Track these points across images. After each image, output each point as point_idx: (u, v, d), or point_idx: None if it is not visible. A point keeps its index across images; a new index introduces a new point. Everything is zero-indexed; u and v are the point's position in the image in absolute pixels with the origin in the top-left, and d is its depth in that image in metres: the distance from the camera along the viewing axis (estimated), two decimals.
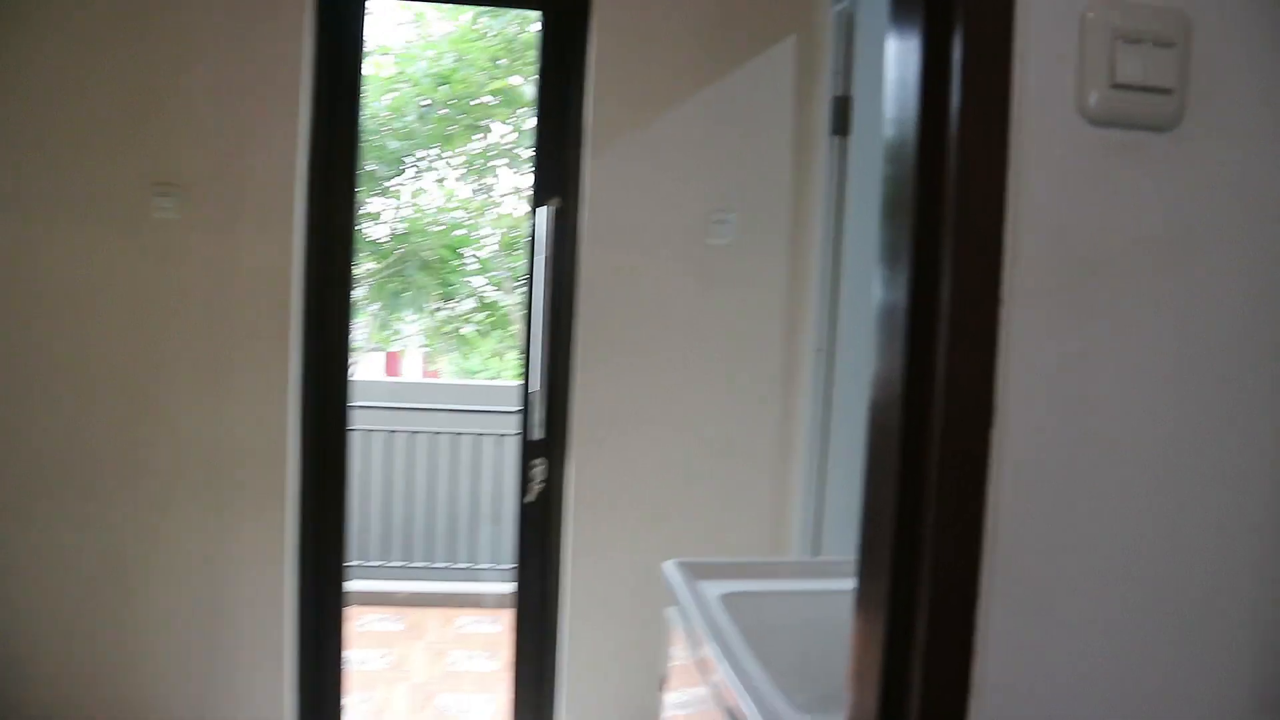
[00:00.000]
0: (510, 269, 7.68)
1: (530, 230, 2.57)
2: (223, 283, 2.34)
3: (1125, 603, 0.68)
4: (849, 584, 1.63)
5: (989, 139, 0.64)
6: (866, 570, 0.76)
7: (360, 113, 2.56)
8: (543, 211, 2.50)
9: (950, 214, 0.63)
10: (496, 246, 7.93)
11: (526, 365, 2.59)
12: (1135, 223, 0.66)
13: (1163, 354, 0.66)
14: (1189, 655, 0.69)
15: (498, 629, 4.00)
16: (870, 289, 2.47)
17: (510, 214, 7.88)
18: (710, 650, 1.29)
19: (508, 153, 7.76)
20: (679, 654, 1.55)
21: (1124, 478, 0.67)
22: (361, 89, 2.56)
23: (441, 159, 7.66)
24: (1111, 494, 0.68)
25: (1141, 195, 0.66)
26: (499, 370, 8.28)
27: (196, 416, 2.35)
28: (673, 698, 1.61)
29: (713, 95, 2.49)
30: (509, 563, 3.62)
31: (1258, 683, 0.68)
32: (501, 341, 8.24)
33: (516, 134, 7.56)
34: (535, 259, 2.53)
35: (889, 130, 0.73)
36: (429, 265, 7.62)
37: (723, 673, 1.22)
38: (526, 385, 2.58)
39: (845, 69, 2.32)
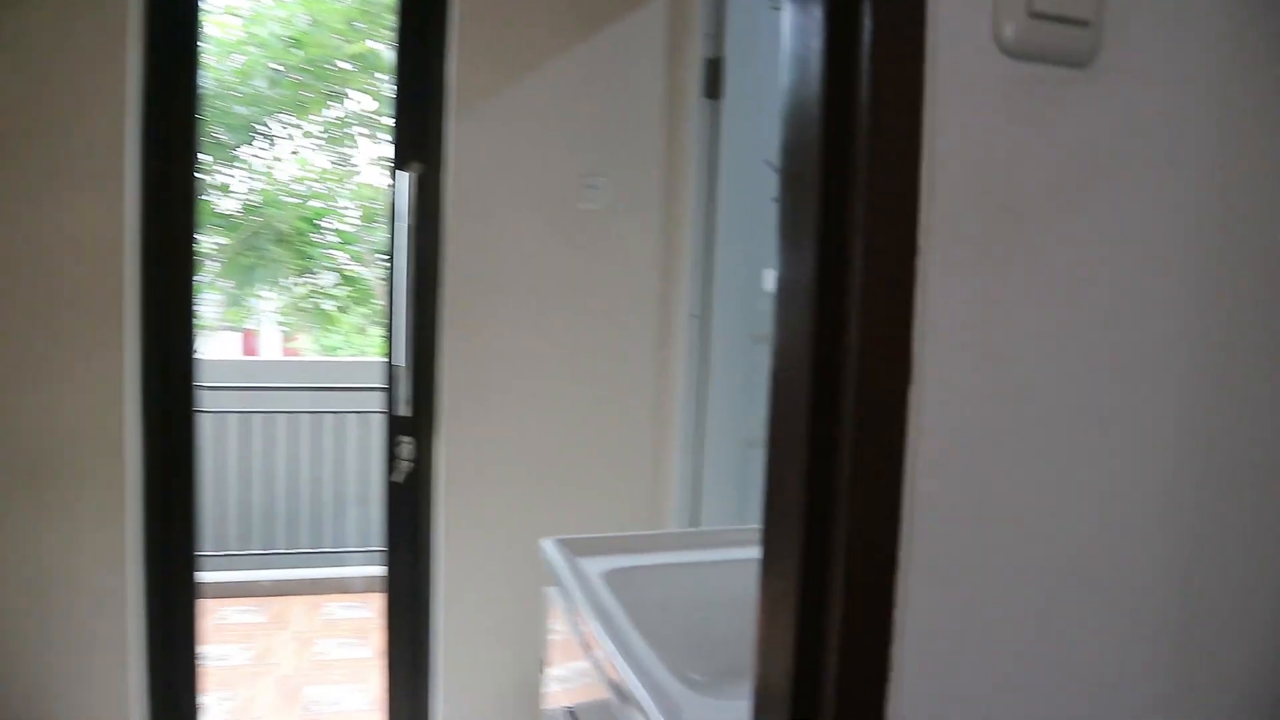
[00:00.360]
0: (372, 241, 7.38)
1: (391, 197, 2.43)
2: (43, 251, 2.11)
3: (1045, 569, 0.66)
4: (732, 554, 1.61)
5: (903, 73, 0.59)
6: (774, 543, 0.71)
7: (199, 72, 2.35)
8: (404, 177, 2.37)
9: (862, 158, 0.58)
10: (358, 218, 7.61)
11: (390, 339, 2.46)
12: (1051, 164, 0.63)
13: (1079, 302, 0.64)
14: (1110, 623, 0.67)
15: (368, 614, 3.85)
16: (744, 252, 2.45)
17: (371, 184, 7.56)
18: (594, 628, 1.24)
19: (367, 121, 7.43)
20: (559, 628, 1.49)
21: (1043, 436, 0.65)
22: (200, 47, 2.35)
23: (296, 127, 7.26)
24: (1030, 454, 0.65)
25: (1057, 134, 0.63)
26: (363, 346, 7.98)
27: (17, 402, 2.12)
28: (554, 672, 1.56)
29: (581, 56, 2.41)
30: (378, 545, 3.48)
31: (1176, 648, 0.68)
32: (365, 317, 7.93)
33: (376, 101, 7.25)
34: (397, 227, 2.40)
35: (789, 72, 0.68)
36: (284, 238, 7.24)
37: (607, 650, 1.17)
38: (391, 360, 2.46)
39: (717, 31, 2.28)
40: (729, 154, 2.30)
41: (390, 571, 2.56)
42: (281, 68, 6.79)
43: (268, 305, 7.94)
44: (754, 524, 1.73)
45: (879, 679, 0.61)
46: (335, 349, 8.29)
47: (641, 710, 1.03)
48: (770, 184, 1.69)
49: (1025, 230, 0.62)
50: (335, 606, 3.99)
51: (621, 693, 1.13)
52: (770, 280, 1.56)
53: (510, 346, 2.42)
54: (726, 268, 2.42)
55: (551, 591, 1.55)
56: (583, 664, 1.36)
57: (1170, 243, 0.65)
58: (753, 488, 2.50)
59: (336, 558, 4.43)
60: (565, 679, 1.51)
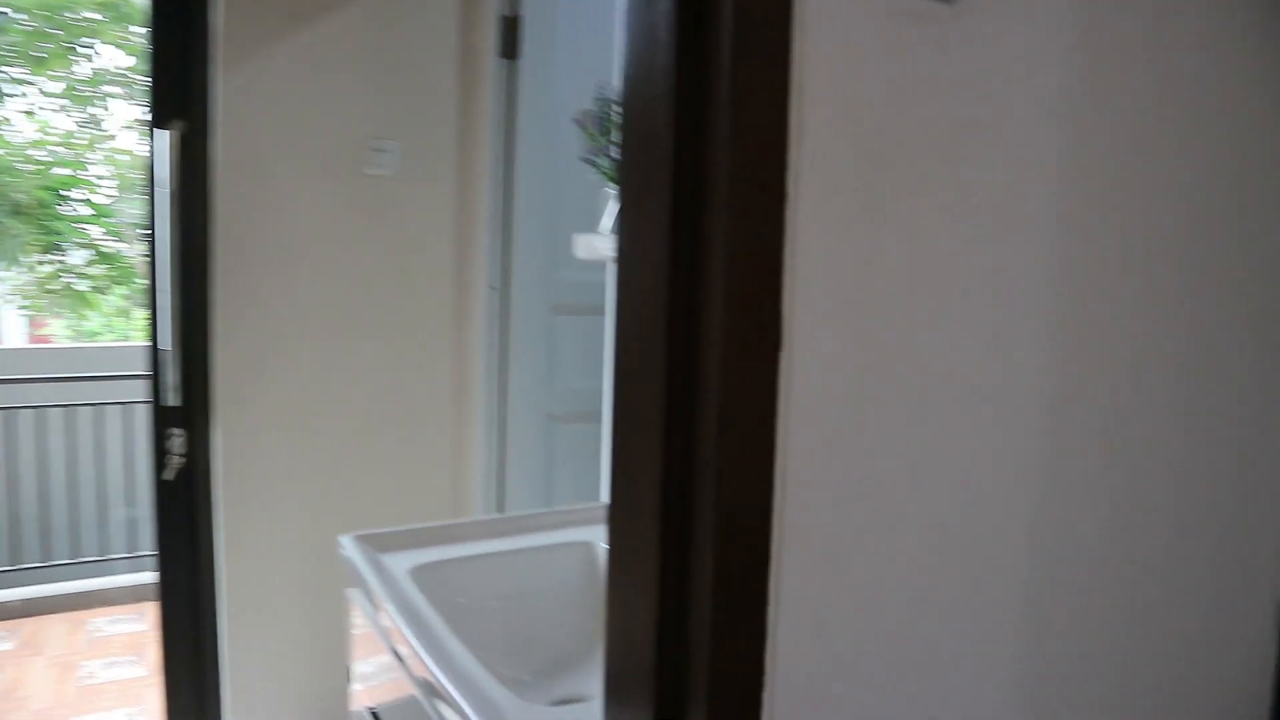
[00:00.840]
0: (133, 215, 6.68)
1: (149, 159, 2.15)
2: None
3: (919, 552, 0.62)
4: (545, 539, 1.53)
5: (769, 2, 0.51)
6: (627, 527, 0.63)
7: None
8: (163, 137, 2.09)
9: (723, 91, 0.50)
10: (114, 189, 6.85)
11: (154, 320, 2.18)
12: (923, 107, 0.57)
13: (951, 260, 0.59)
14: (978, 597, 0.64)
15: (143, 627, 3.48)
16: (545, 219, 2.35)
17: (130, 151, 6.82)
18: (405, 633, 1.12)
19: (121, 79, 6.69)
20: (364, 632, 1.36)
21: (919, 405, 0.60)
22: None
23: (31, 84, 6.42)
24: (907, 425, 0.60)
25: (928, 75, 0.58)
26: (126, 331, 7.23)
27: None
28: (360, 667, 1.42)
29: (367, 8, 2.22)
30: (149, 550, 3.13)
31: (1034, 620, 0.66)
32: (128, 298, 7.19)
33: (132, 56, 6.53)
34: (157, 194, 2.12)
35: (635, 16, 0.59)
36: (23, 210, 6.41)
37: (421, 656, 1.06)
38: (155, 344, 2.18)
39: None
40: (528, 116, 2.20)
41: (164, 580, 2.29)
42: (7, 10, 5.96)
43: (4, 287, 7.02)
44: (564, 505, 1.66)
45: (754, 670, 0.55)
46: (95, 334, 7.48)
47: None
48: (574, 146, 1.60)
49: (901, 178, 0.57)
50: (102, 622, 3.58)
51: (435, 697, 1.03)
52: (582, 247, 1.47)
53: (292, 326, 2.21)
54: (526, 236, 2.32)
55: (353, 593, 1.41)
56: (393, 671, 1.23)
57: (1039, 198, 0.61)
58: (559, 465, 2.43)
59: (101, 567, 3.98)
60: (369, 675, 1.38)
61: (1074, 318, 0.65)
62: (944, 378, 0.60)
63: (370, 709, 1.39)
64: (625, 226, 0.59)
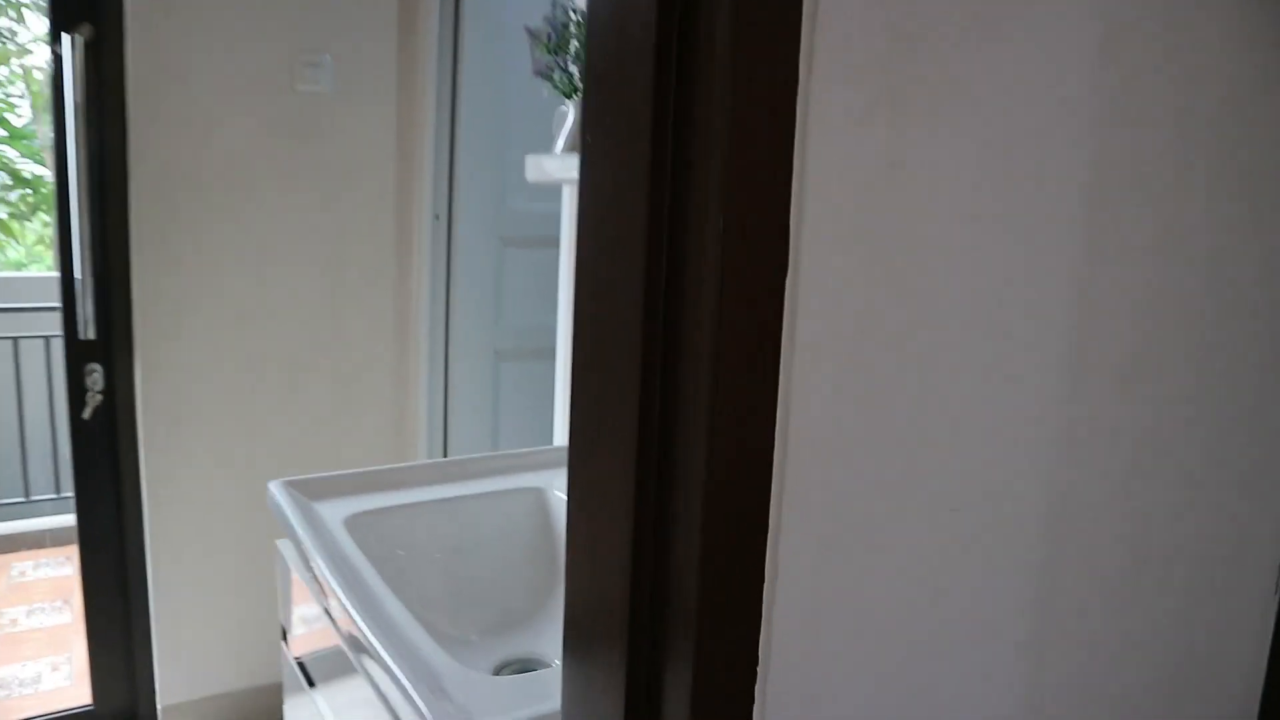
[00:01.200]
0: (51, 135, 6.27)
1: (54, 69, 1.95)
2: None
3: (934, 503, 0.53)
4: (492, 485, 1.43)
5: None
6: (593, 493, 0.53)
7: None
8: (69, 42, 1.89)
9: None
10: (30, 107, 6.44)
11: (65, 247, 2.01)
12: None
13: (984, 167, 0.49)
14: (988, 561, 0.56)
15: (70, 571, 3.34)
16: (493, 142, 2.19)
17: (45, 65, 6.40)
18: (337, 592, 1.02)
19: None
20: (296, 589, 1.26)
21: (936, 337, 0.51)
22: None
23: None
24: (922, 360, 0.51)
25: None
26: (51, 261, 6.87)
27: None
28: (292, 627, 1.32)
29: None
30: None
31: (1042, 595, 0.57)
32: (50, 225, 6.82)
33: None
34: (66, 109, 1.93)
35: None
36: None
37: (353, 616, 0.96)
38: (69, 273, 2.01)
39: None
40: (475, 29, 2.04)
41: (83, 526, 2.16)
42: None
43: None
44: (512, 449, 1.55)
45: (748, 620, 0.46)
46: (21, 264, 7.10)
47: (410, 706, 0.84)
48: (526, 61, 1.46)
49: (932, 66, 0.46)
50: (26, 565, 3.42)
51: (365, 661, 0.93)
52: (533, 169, 1.35)
53: (219, 255, 2.05)
54: (473, 161, 2.17)
55: (283, 545, 1.30)
56: (326, 632, 1.14)
57: (1079, 88, 0.51)
58: (507, 405, 2.33)
59: (25, 509, 3.79)
60: (302, 637, 1.29)
61: (1104, 242, 0.56)
62: (967, 307, 0.51)
63: (299, 660, 1.30)
64: (594, 111, 0.48)
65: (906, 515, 0.53)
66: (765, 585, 0.48)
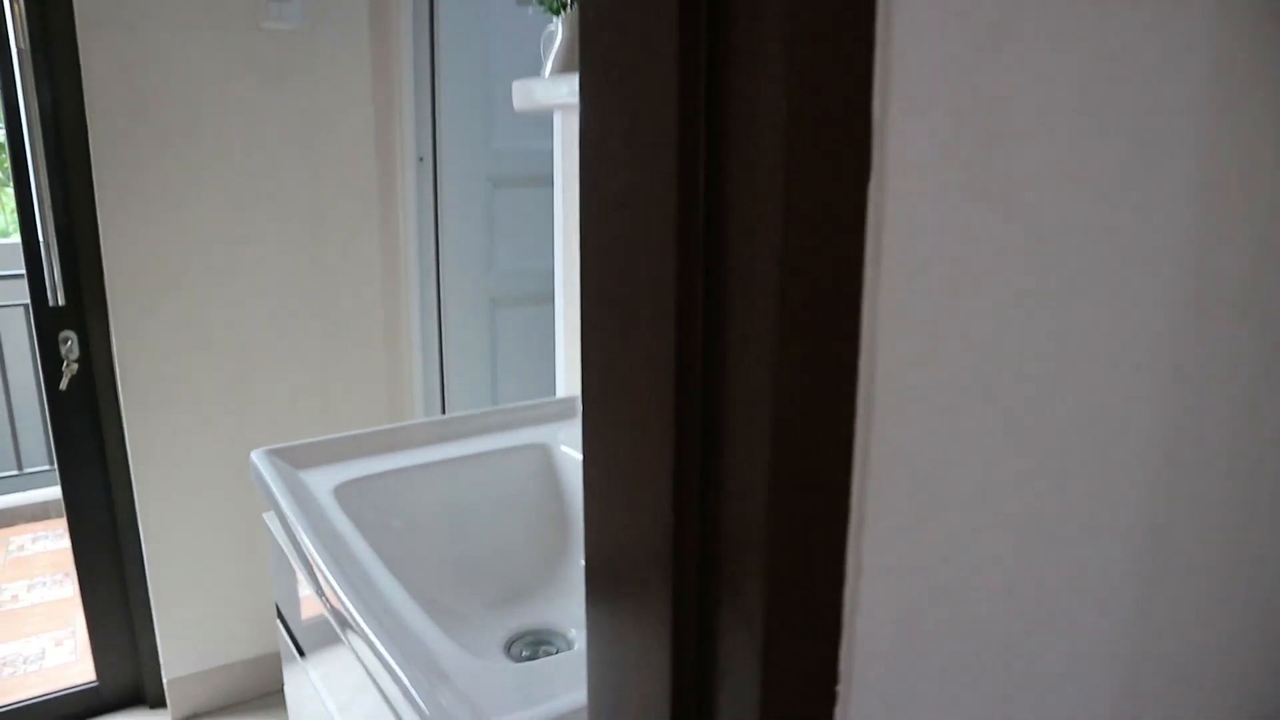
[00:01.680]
0: None
1: None
2: None
3: (1034, 448, 0.43)
4: (491, 443, 1.33)
5: None
6: (620, 400, 0.42)
7: None
8: None
9: None
10: None
11: (27, 209, 1.89)
12: None
13: (1094, 78, 0.37)
14: (1093, 524, 0.46)
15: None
16: (477, 75, 2.05)
17: None
18: (325, 572, 0.92)
19: None
20: (286, 565, 1.16)
21: (1038, 251, 0.40)
22: None
23: None
24: (1023, 281, 0.40)
25: None
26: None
27: None
28: (292, 589, 1.23)
29: None
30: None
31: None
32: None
33: None
34: (11, 59, 1.79)
35: None
36: None
37: (342, 597, 0.87)
38: (34, 237, 1.90)
39: None
40: None
41: (71, 497, 2.07)
42: None
43: None
44: (513, 402, 1.45)
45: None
46: (4, 232, 6.94)
47: (404, 699, 0.74)
48: None
49: None
50: (25, 539, 3.35)
51: (358, 644, 0.84)
52: (520, 95, 1.23)
53: (190, 210, 1.92)
54: (456, 97, 2.04)
55: (270, 519, 1.21)
56: (318, 613, 1.05)
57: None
58: (505, 355, 2.22)
59: (20, 481, 3.71)
60: (294, 614, 1.20)
61: (1223, 168, 0.45)
62: (1076, 216, 0.40)
63: (293, 636, 1.22)
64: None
65: (1006, 453, 0.43)
66: (850, 520, 0.38)
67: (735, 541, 0.39)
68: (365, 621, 0.81)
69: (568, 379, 1.54)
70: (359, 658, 0.91)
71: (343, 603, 0.86)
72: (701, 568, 0.40)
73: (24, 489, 3.66)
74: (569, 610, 1.09)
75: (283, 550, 1.15)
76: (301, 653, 1.18)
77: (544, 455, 1.26)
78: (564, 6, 1.23)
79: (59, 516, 3.51)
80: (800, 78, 0.31)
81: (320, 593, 1.01)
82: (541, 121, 1.78)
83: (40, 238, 1.86)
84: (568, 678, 0.74)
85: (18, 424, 3.77)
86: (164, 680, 2.12)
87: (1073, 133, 0.40)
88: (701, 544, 0.40)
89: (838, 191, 0.32)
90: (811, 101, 0.31)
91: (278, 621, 1.28)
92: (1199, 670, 0.57)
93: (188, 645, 2.12)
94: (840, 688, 0.41)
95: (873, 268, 0.34)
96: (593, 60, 0.39)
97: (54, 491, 3.62)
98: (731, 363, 0.36)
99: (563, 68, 1.21)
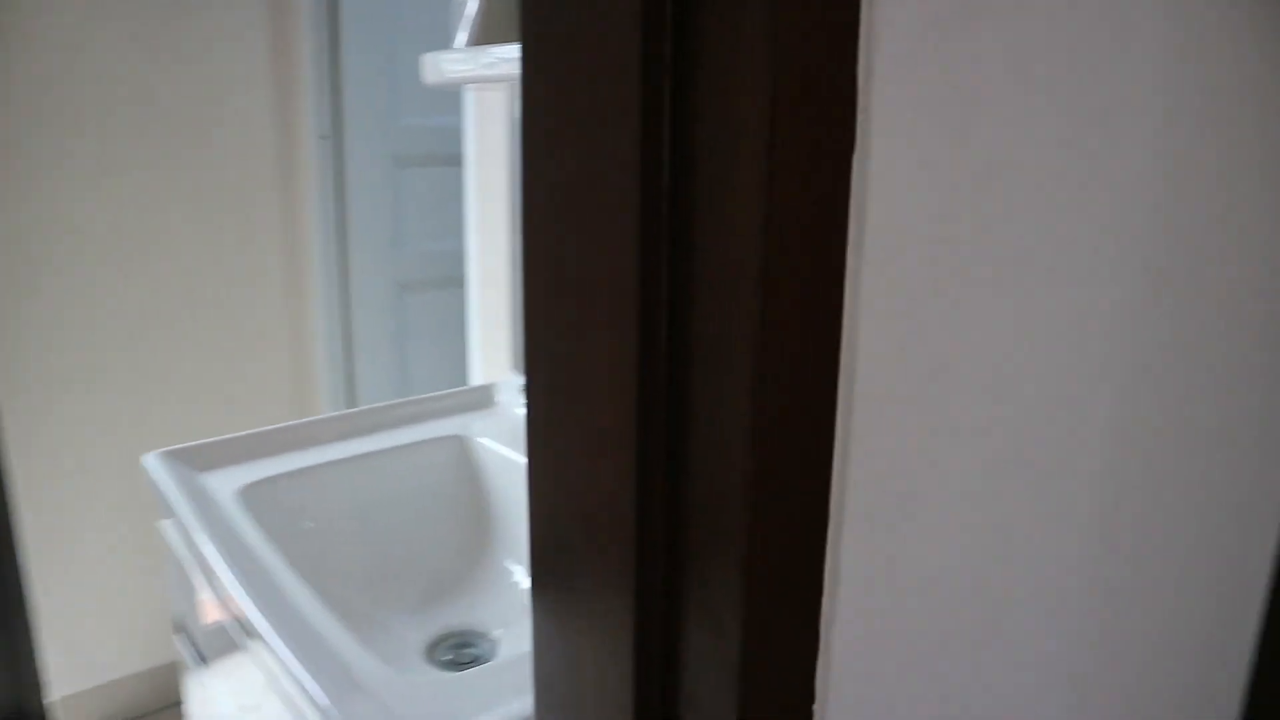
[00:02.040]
0: None
1: None
2: None
3: (996, 427, 0.40)
4: (404, 436, 1.26)
5: None
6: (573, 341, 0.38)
7: None
8: None
9: None
10: None
11: None
12: None
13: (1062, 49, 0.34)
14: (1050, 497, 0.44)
15: None
16: (381, 47, 1.95)
17: None
18: (230, 583, 0.85)
19: None
20: (181, 564, 1.08)
21: (1020, 225, 0.37)
22: None
23: None
24: (999, 265, 0.37)
25: None
26: None
27: None
28: (192, 602, 1.15)
29: None
30: None
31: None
32: None
33: None
34: None
35: None
36: None
37: (248, 611, 0.80)
38: None
39: None
40: None
41: None
42: None
43: None
44: (425, 393, 1.39)
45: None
46: None
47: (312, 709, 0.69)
48: None
49: None
50: None
51: (269, 661, 0.78)
52: (431, 70, 1.16)
53: (76, 187, 1.78)
54: (359, 71, 1.94)
55: (167, 527, 1.12)
56: (222, 627, 0.97)
57: None
58: (415, 342, 2.15)
59: None
60: (195, 626, 1.12)
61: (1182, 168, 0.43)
62: (1050, 186, 0.37)
63: (197, 649, 1.13)
64: None
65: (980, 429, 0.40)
66: (835, 467, 0.34)
67: (708, 557, 0.35)
68: (274, 636, 0.75)
69: (483, 366, 1.48)
70: (268, 676, 0.85)
71: (248, 616, 0.79)
72: (667, 595, 0.36)
73: None
74: (492, 609, 1.05)
75: (180, 561, 1.07)
76: (202, 657, 1.10)
77: (460, 448, 1.21)
78: None
79: None
80: (783, 34, 0.27)
81: (224, 605, 0.94)
82: (451, 96, 1.70)
83: None
84: (489, 686, 0.70)
85: None
86: (52, 699, 1.99)
87: (1042, 103, 0.37)
88: (668, 571, 0.36)
89: (822, 166, 0.28)
90: (795, 60, 0.28)
91: (174, 636, 1.20)
92: (1153, 672, 0.57)
93: (77, 660, 1.98)
94: (816, 707, 0.38)
95: (854, 254, 0.31)
96: (537, 22, 0.35)
97: None
98: (699, 363, 0.32)
99: (476, 40, 1.14)
